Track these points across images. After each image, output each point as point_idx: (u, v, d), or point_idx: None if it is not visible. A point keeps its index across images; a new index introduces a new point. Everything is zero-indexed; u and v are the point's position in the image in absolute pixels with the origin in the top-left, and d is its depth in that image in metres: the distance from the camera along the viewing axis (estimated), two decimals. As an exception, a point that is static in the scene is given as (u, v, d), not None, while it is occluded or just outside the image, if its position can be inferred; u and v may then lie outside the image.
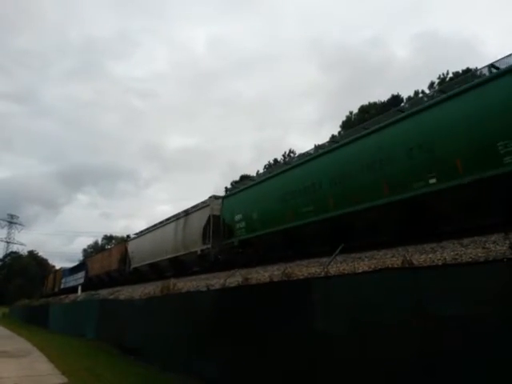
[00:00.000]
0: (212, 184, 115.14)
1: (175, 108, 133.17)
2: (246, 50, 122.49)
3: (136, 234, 25.18)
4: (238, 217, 13.64)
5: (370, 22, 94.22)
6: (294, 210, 10.99)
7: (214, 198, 16.34)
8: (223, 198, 15.61)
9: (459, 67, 32.31)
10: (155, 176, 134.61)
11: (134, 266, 23.50)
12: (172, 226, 19.13)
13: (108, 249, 33.47)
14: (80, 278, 33.77)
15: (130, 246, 24.75)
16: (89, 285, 30.61)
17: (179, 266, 17.92)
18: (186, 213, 17.98)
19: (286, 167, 12.53)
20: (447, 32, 76.92)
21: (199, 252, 15.54)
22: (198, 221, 16.17)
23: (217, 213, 15.12)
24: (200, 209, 16.66)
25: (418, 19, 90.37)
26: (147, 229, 23.30)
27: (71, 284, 35.24)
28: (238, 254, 13.77)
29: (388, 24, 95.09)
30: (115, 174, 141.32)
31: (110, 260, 27.95)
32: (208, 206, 15.71)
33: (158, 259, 19.94)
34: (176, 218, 19.18)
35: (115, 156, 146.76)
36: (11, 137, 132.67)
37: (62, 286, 38.10)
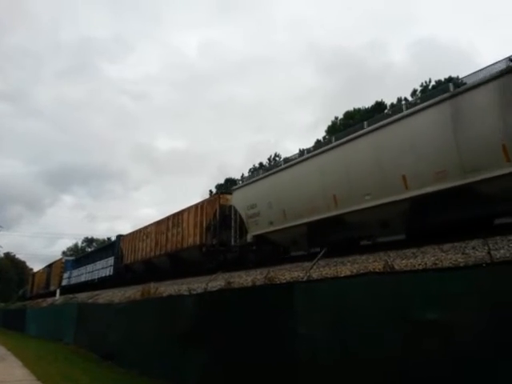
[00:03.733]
0: (200, 188, 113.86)
1: (167, 110, 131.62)
2: (240, 54, 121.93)
3: (241, 179, 13.31)
4: None
5: (366, 27, 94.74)
6: None
7: None
8: None
9: (454, 74, 32.43)
10: (144, 178, 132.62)
11: (256, 232, 12.66)
12: (402, 127, 8.54)
13: (174, 214, 17.89)
14: (103, 268, 23.30)
15: (240, 200, 13.54)
16: (125, 278, 20.15)
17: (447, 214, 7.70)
18: (455, 92, 7.59)
19: None
20: (444, 39, 77.75)
21: None
22: None
23: None
24: None
25: (415, 26, 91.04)
26: (287, 160, 12.89)
27: (83, 279, 25.48)
28: None
29: (385, 30, 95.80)
30: (103, 175, 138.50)
31: (180, 231, 16.40)
32: None
33: (352, 208, 9.41)
34: (410, 112, 8.52)
35: (104, 158, 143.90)
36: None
37: (65, 283, 28.86)
